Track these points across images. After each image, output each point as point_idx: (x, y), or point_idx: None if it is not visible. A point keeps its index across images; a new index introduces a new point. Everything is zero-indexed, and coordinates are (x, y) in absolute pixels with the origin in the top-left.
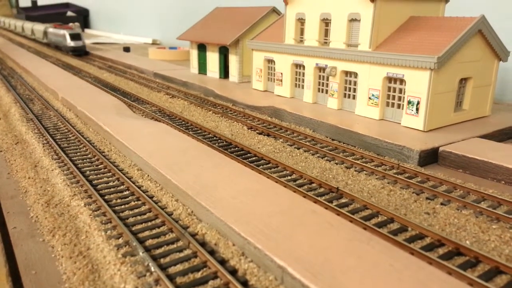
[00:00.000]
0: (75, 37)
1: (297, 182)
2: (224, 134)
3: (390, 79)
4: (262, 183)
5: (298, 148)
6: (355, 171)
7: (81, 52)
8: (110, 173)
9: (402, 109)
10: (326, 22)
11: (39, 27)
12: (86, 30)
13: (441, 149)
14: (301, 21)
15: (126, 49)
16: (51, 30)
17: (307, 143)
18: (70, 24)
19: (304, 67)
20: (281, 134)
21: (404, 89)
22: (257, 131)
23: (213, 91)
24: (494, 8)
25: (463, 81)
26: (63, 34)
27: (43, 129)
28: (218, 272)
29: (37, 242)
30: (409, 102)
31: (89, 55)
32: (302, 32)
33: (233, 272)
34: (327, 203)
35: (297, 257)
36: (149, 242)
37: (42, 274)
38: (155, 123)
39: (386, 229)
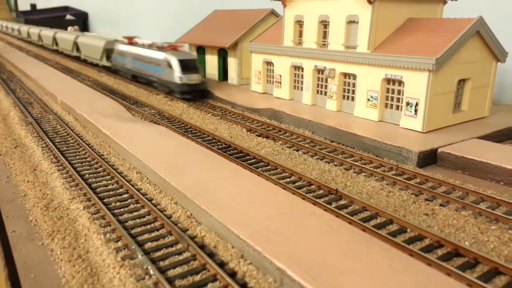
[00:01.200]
0: (189, 66)
1: (296, 184)
2: (223, 137)
3: (388, 80)
4: (261, 185)
5: (297, 150)
6: (354, 172)
7: (196, 95)
8: (109, 176)
9: (401, 110)
10: (324, 24)
11: (91, 41)
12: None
13: (440, 150)
14: (299, 23)
15: None
16: (123, 48)
17: (306, 145)
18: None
19: (302, 69)
20: (280, 136)
21: (403, 91)
22: (256, 133)
23: (212, 94)
24: (492, 9)
25: (462, 82)
26: (165, 61)
27: (42, 133)
28: (218, 275)
29: (36, 246)
30: (407, 104)
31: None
32: (300, 34)
33: (232, 274)
34: (326, 205)
35: (296, 259)
36: (148, 245)
37: (41, 277)
38: (154, 126)
39: (385, 231)
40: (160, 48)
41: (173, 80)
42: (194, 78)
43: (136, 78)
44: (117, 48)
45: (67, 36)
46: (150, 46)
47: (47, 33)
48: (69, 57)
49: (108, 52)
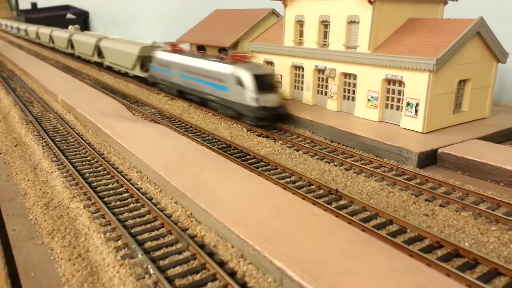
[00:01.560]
0: (266, 84)
1: (296, 184)
2: (224, 136)
3: (389, 81)
4: (261, 185)
5: (297, 150)
6: (354, 172)
7: (270, 121)
8: (109, 175)
9: (401, 111)
10: (325, 24)
11: (120, 46)
12: (86, 33)
13: (440, 150)
14: (300, 23)
15: None
16: (167, 57)
17: (306, 145)
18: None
19: (303, 69)
20: (280, 136)
21: (403, 91)
22: (256, 133)
23: None
24: (493, 10)
25: (462, 82)
26: (233, 76)
27: (42, 131)
28: (217, 274)
29: (36, 244)
30: (408, 104)
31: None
32: (301, 34)
33: (232, 274)
34: (326, 205)
35: (296, 259)
36: (148, 244)
37: (41, 276)
38: (155, 125)
39: (385, 231)
40: (221, 59)
41: (245, 102)
42: (273, 99)
43: (184, 95)
44: (158, 56)
45: (86, 39)
46: (205, 56)
47: (61, 34)
48: (67, 55)
49: (144, 60)
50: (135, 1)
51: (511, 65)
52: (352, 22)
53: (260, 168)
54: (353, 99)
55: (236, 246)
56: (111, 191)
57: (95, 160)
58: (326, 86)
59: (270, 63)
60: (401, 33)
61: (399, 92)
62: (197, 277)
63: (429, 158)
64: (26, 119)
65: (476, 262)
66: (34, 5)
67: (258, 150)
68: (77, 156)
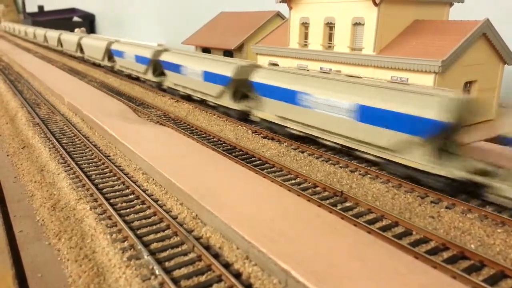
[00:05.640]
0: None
1: (301, 186)
2: (229, 138)
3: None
4: (266, 187)
5: (302, 152)
6: (359, 174)
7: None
8: (116, 177)
9: None
10: (330, 26)
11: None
12: (92, 35)
13: None
14: (305, 25)
15: None
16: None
17: (311, 147)
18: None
19: (308, 71)
20: (285, 138)
21: None
22: (261, 135)
23: None
24: (499, 11)
25: (468, 84)
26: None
27: (49, 133)
28: (223, 276)
29: (43, 246)
30: None
31: None
32: (306, 36)
33: (237, 275)
34: (331, 206)
35: (301, 260)
36: (154, 245)
37: (48, 277)
38: (160, 127)
39: (391, 233)
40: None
41: None
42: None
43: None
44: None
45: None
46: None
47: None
48: (74, 58)
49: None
50: (140, 3)
51: None
52: (357, 24)
53: (265, 170)
54: None
55: (241, 247)
56: (117, 193)
57: (101, 162)
58: None
59: (275, 65)
60: (406, 35)
61: None
62: (202, 278)
63: None
64: (33, 121)
65: (482, 265)
66: (41, 8)
67: (263, 152)
68: (84, 158)
